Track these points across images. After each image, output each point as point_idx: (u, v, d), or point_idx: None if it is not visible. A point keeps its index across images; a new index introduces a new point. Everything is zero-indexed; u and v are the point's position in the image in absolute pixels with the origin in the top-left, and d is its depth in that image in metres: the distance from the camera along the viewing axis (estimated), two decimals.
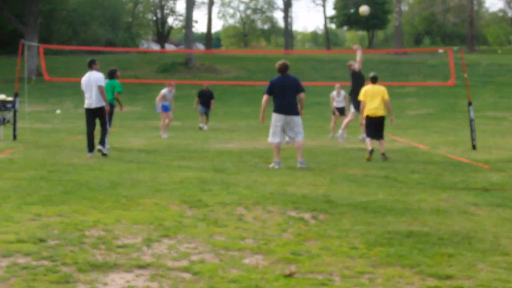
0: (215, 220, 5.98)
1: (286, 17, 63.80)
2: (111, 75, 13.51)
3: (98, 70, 11.79)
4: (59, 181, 8.25)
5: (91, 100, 11.49)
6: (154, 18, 67.64)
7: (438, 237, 5.33)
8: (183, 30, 60.15)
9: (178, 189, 7.66)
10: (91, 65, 11.67)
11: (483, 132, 18.85)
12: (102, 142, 11.56)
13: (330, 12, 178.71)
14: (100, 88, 11.43)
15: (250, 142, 15.10)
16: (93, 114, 11.61)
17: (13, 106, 14.71)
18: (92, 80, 11.47)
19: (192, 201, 6.90)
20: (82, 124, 21.02)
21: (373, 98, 11.37)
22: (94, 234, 5.34)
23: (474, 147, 13.37)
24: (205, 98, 20.30)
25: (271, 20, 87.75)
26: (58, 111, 25.91)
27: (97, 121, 11.69)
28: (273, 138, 10.33)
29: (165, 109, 16.47)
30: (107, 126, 11.75)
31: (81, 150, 12.46)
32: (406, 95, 35.17)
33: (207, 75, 40.38)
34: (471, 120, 13.69)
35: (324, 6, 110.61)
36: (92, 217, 5.99)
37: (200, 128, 20.03)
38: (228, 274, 4.27)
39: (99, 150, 11.42)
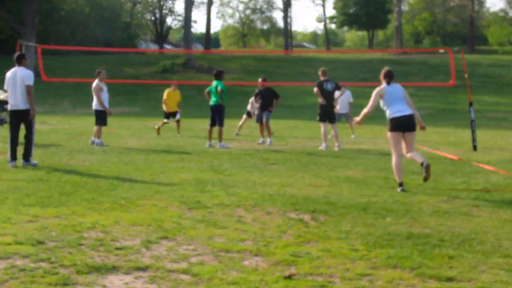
0: (214, 221, 5.95)
1: (286, 17, 63.89)
2: (219, 75, 13.76)
3: (28, 67, 10.22)
4: (57, 182, 8.21)
5: (16, 100, 9.91)
6: (153, 18, 67.59)
7: (438, 239, 5.30)
8: (182, 31, 60.16)
9: (177, 191, 7.63)
10: (20, 60, 10.02)
11: (484, 132, 18.82)
12: (25, 157, 9.93)
13: (330, 12, 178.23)
14: (28, 88, 9.84)
15: (249, 143, 15.06)
16: (18, 118, 9.98)
17: None
18: (19, 78, 9.87)
19: (191, 202, 6.86)
20: (80, 125, 21.03)
21: None
22: (92, 235, 5.30)
23: (475, 147, 13.33)
24: (264, 100, 15.04)
25: (270, 20, 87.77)
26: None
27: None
28: None
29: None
30: (33, 135, 10.09)
31: (79, 151, 12.43)
32: None
33: (206, 75, 40.37)
34: (471, 121, 13.65)
35: (323, 6, 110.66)
36: (90, 218, 5.95)
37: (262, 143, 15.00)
38: (227, 276, 4.24)
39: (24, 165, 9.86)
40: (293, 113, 29.06)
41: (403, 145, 8.23)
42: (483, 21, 67.80)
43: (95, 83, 14.00)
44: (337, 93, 14.16)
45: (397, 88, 8.37)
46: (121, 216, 6.11)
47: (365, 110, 8.40)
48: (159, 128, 17.26)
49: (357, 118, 8.54)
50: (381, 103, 8.32)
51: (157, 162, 10.67)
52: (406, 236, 5.39)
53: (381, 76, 8.46)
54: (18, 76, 9.90)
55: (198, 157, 11.61)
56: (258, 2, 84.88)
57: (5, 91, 14.85)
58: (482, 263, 4.60)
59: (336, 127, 13.86)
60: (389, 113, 8.21)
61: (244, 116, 17.94)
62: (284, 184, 8.30)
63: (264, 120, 14.91)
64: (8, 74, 10.07)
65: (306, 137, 17.20)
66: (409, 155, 8.21)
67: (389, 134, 8.27)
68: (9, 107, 10.10)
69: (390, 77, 8.38)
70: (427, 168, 7.86)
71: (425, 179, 7.98)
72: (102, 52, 47.33)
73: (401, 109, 8.14)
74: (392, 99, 8.21)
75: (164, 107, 17.30)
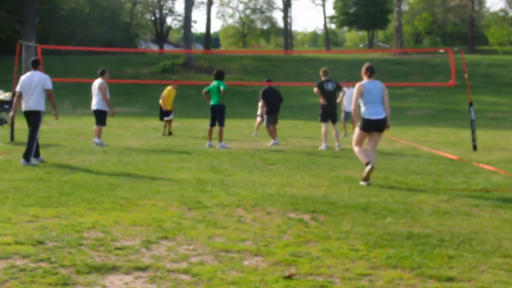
0: (214, 221, 5.95)
1: (286, 17, 63.94)
2: (220, 76, 13.74)
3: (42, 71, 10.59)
4: (57, 182, 8.21)
5: (29, 102, 10.23)
6: (153, 18, 67.60)
7: (438, 239, 5.29)
8: (182, 31, 60.15)
9: (177, 191, 7.63)
10: (36, 65, 10.43)
11: (484, 132, 18.83)
12: (26, 156, 10.08)
13: (330, 11, 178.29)
14: (48, 92, 10.24)
15: (249, 143, 15.06)
16: (28, 118, 10.32)
17: (11, 107, 14.64)
18: (35, 81, 10.23)
19: (191, 202, 6.86)
20: (80, 125, 21.03)
21: None
22: (92, 235, 5.30)
23: (474, 147, 13.33)
24: (273, 100, 14.98)
25: (270, 20, 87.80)
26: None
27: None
28: None
29: None
30: (36, 136, 10.22)
31: (79, 151, 12.43)
32: (406, 95, 35.15)
33: (206, 75, 40.39)
34: (471, 121, 13.65)
35: (323, 6, 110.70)
36: (90, 218, 5.95)
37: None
38: (227, 276, 4.23)
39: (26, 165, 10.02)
40: (293, 113, 29.06)
41: (367, 139, 8.67)
42: (483, 21, 67.82)
43: (100, 82, 13.88)
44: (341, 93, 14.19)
45: (376, 86, 8.56)
46: (121, 216, 6.11)
47: (352, 108, 8.78)
48: (164, 133, 17.31)
49: (355, 119, 8.89)
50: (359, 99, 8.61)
51: (157, 162, 10.67)
52: (406, 236, 5.38)
53: (362, 71, 8.73)
54: (35, 80, 10.28)
55: (198, 157, 11.61)
56: (258, 2, 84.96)
57: (5, 91, 14.94)
58: (482, 263, 4.59)
59: (337, 127, 13.84)
60: (364, 112, 8.50)
61: (259, 119, 17.86)
62: (284, 184, 8.30)
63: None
64: (23, 77, 10.46)
65: (306, 137, 17.20)
66: (368, 148, 8.64)
67: (358, 130, 8.62)
68: (22, 108, 10.41)
69: (371, 72, 8.61)
70: (370, 171, 8.21)
71: (364, 178, 8.38)
72: (102, 52, 47.33)
73: (376, 112, 8.46)
74: (369, 98, 8.46)
75: (162, 104, 17.30)
